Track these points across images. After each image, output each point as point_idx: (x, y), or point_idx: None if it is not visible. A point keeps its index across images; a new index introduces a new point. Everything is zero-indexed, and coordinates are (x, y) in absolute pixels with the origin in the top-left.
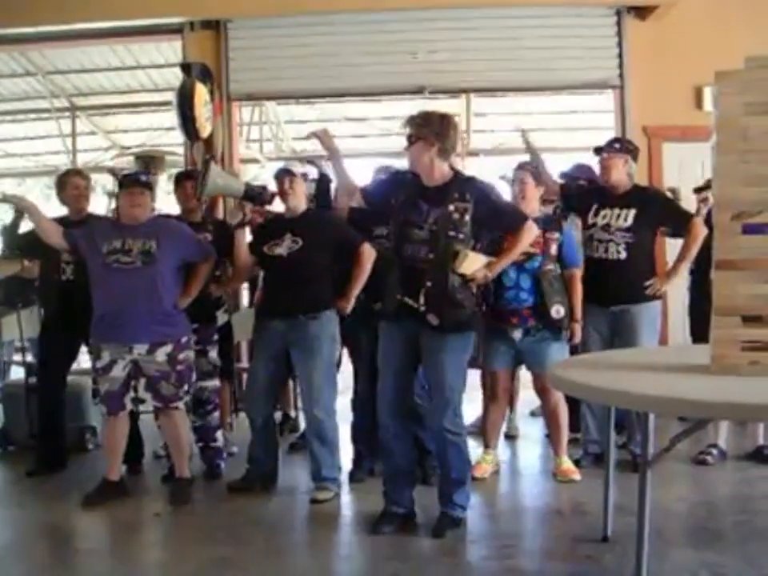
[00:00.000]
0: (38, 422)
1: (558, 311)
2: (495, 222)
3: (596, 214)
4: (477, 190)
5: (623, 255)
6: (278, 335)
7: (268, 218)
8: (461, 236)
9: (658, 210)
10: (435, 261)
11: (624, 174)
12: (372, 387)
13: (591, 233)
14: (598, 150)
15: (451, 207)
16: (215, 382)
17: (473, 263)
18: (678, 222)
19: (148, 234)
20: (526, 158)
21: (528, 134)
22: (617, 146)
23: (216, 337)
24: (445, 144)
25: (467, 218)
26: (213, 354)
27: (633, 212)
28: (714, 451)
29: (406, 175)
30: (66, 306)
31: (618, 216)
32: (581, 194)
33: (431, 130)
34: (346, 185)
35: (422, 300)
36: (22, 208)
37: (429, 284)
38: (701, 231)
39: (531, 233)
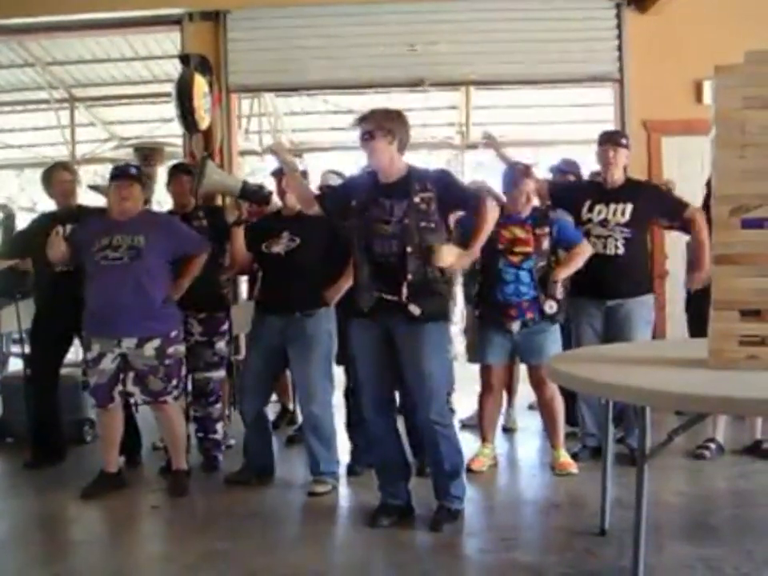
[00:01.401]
0: (33, 414)
1: (551, 306)
2: (458, 205)
3: (590, 210)
4: (435, 178)
5: (621, 251)
6: (275, 331)
7: (265, 215)
8: (432, 225)
9: (653, 203)
10: (413, 254)
11: (623, 169)
12: None
13: (587, 228)
14: (601, 142)
15: (416, 199)
16: (220, 373)
17: (448, 254)
18: (674, 212)
19: (136, 230)
20: (521, 150)
21: (495, 140)
22: (623, 141)
23: (225, 327)
24: (403, 138)
25: (434, 206)
26: (220, 344)
27: (629, 206)
28: (712, 445)
29: (359, 177)
30: (61, 298)
31: (615, 211)
32: (570, 190)
33: (392, 125)
34: (303, 196)
35: (404, 292)
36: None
37: (410, 277)
38: (701, 218)
39: (494, 210)
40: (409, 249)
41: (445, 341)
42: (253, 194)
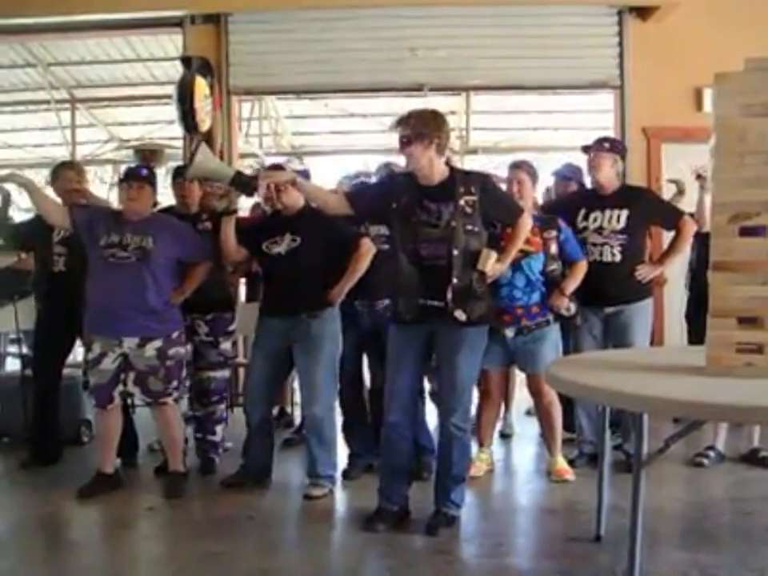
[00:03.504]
0: (33, 414)
1: (568, 309)
2: (498, 214)
3: (585, 218)
4: (479, 182)
5: (618, 258)
6: (279, 334)
7: (265, 215)
8: (476, 229)
9: (648, 208)
10: (458, 258)
11: (612, 173)
12: (355, 386)
13: (584, 236)
14: (586, 149)
15: (462, 202)
16: (224, 373)
17: (491, 260)
18: (669, 219)
19: (146, 230)
20: (522, 156)
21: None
22: (606, 145)
23: (231, 328)
24: (441, 141)
25: (477, 210)
26: (225, 345)
27: (625, 213)
28: (711, 453)
29: (399, 177)
30: (59, 298)
31: (611, 218)
32: (563, 201)
33: (428, 129)
34: (321, 199)
35: (449, 297)
36: (18, 184)
37: (455, 281)
38: (691, 229)
39: (528, 224)
40: (455, 252)
41: (482, 347)
42: (244, 184)
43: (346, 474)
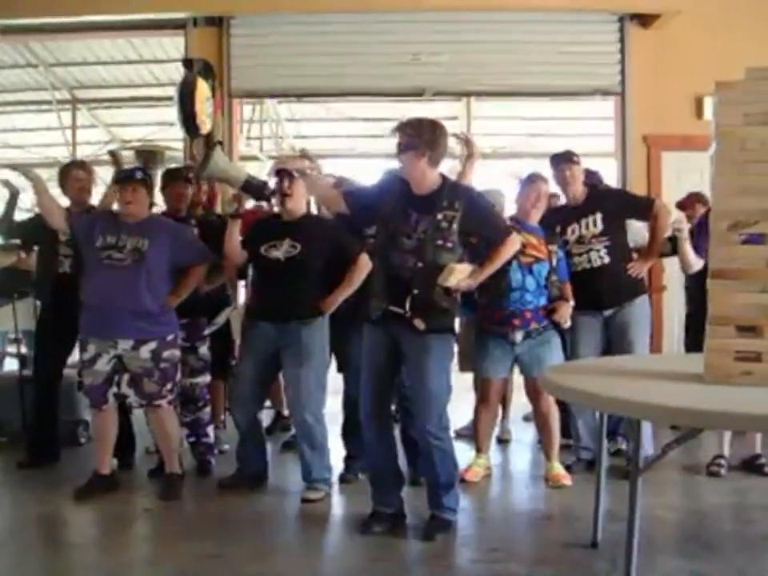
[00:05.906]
0: (33, 414)
1: (566, 320)
2: (481, 232)
3: (563, 233)
4: (466, 197)
5: (606, 260)
6: (269, 338)
7: (261, 217)
8: (449, 245)
9: (619, 205)
10: (422, 270)
11: (581, 183)
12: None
13: (567, 250)
14: (554, 164)
15: (440, 216)
16: (206, 378)
17: (458, 275)
18: (641, 208)
19: (142, 233)
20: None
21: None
22: (575, 158)
23: (207, 332)
24: (436, 152)
25: (455, 226)
26: (203, 349)
27: (599, 215)
28: (723, 462)
29: (395, 181)
30: (64, 300)
31: (587, 225)
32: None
33: (423, 139)
34: (327, 196)
35: (407, 306)
36: (28, 179)
37: (415, 291)
38: (665, 213)
39: (514, 246)
40: (420, 264)
41: (448, 354)
42: (255, 189)
43: (342, 478)
